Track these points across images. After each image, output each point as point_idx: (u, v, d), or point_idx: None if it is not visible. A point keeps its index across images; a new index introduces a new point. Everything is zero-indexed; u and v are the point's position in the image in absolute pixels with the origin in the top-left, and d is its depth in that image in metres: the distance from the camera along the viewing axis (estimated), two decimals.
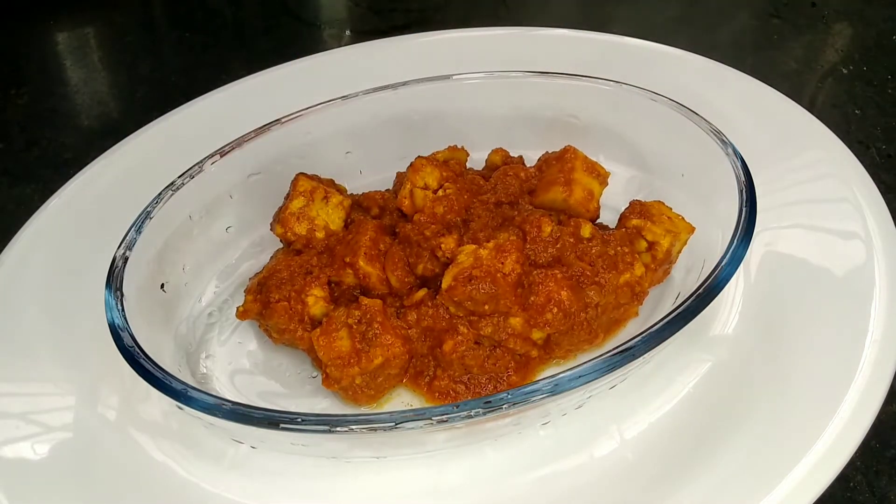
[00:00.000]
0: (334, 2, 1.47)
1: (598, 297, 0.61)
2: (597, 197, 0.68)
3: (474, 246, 0.61)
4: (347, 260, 0.64)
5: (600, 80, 0.74)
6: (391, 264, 0.64)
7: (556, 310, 0.59)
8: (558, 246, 0.62)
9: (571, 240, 0.62)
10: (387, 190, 0.74)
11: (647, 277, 0.63)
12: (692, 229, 0.64)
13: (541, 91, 0.77)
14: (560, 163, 0.68)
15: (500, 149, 0.76)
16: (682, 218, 0.65)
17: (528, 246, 0.62)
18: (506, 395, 0.48)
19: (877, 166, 0.89)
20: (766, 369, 0.58)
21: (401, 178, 0.73)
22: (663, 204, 0.66)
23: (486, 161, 0.76)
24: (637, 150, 0.68)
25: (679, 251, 0.65)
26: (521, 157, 0.75)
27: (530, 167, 0.71)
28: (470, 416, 0.47)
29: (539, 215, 0.64)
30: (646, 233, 0.64)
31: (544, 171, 0.70)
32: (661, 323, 0.51)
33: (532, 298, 0.59)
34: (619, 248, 0.62)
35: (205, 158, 0.70)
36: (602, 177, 0.69)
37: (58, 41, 1.35)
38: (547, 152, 0.71)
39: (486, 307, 0.59)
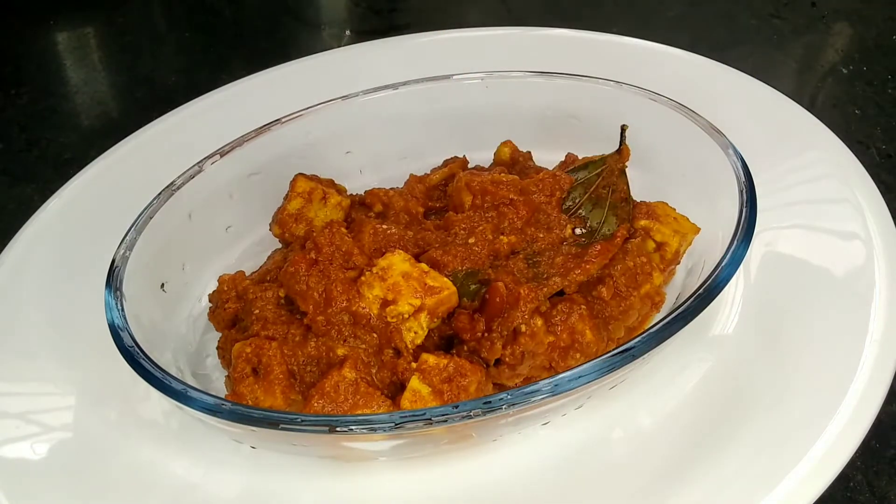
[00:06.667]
0: (334, 2, 1.47)
1: (619, 331, 0.60)
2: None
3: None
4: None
5: (600, 80, 0.74)
6: None
7: (578, 355, 0.57)
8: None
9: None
10: (390, 188, 0.74)
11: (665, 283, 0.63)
12: (697, 230, 0.64)
13: (541, 91, 0.77)
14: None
15: (509, 141, 0.75)
16: (687, 218, 0.65)
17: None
18: (505, 395, 0.48)
19: (877, 166, 0.89)
20: (765, 369, 0.58)
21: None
22: (667, 204, 0.66)
23: (495, 156, 0.76)
24: (637, 150, 0.68)
25: (684, 252, 0.65)
26: (529, 152, 0.75)
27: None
28: (469, 417, 0.47)
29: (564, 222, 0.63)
30: (654, 233, 0.64)
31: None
32: (661, 323, 0.51)
33: (553, 339, 0.57)
34: (637, 259, 0.61)
35: (205, 158, 0.70)
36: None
37: (58, 41, 1.35)
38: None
39: None
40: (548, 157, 0.74)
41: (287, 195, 0.70)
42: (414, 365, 0.55)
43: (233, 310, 0.63)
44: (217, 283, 0.65)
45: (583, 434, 0.57)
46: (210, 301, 0.66)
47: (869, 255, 0.64)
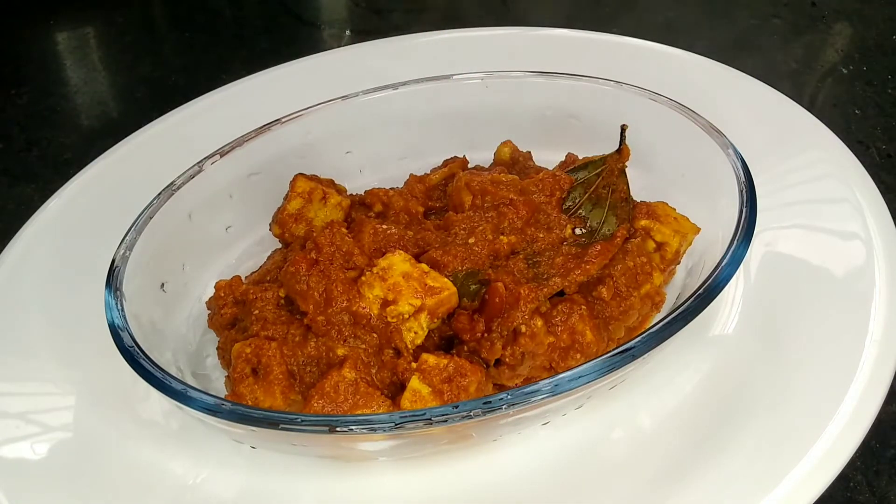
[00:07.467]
0: (334, 2, 1.47)
1: (619, 331, 0.60)
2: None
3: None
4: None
5: (600, 80, 0.74)
6: None
7: (578, 355, 0.57)
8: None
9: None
10: (390, 188, 0.74)
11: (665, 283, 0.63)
12: (698, 230, 0.64)
13: (541, 91, 0.77)
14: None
15: (509, 141, 0.75)
16: (687, 218, 0.65)
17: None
18: (505, 395, 0.48)
19: (877, 166, 0.89)
20: (765, 369, 0.58)
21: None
22: (667, 204, 0.66)
23: (495, 156, 0.76)
24: (637, 150, 0.68)
25: (684, 252, 0.65)
26: (529, 152, 0.75)
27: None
28: (469, 417, 0.47)
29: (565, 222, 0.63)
30: (654, 233, 0.64)
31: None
32: (661, 323, 0.51)
33: (553, 339, 0.57)
34: (637, 259, 0.61)
35: (205, 158, 0.70)
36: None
37: (58, 41, 1.35)
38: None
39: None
40: (548, 157, 0.74)
41: (287, 195, 0.70)
42: (414, 365, 0.55)
43: (230, 314, 0.63)
44: (214, 290, 0.65)
45: (583, 434, 0.57)
46: (208, 307, 0.66)
47: (869, 255, 0.64)
